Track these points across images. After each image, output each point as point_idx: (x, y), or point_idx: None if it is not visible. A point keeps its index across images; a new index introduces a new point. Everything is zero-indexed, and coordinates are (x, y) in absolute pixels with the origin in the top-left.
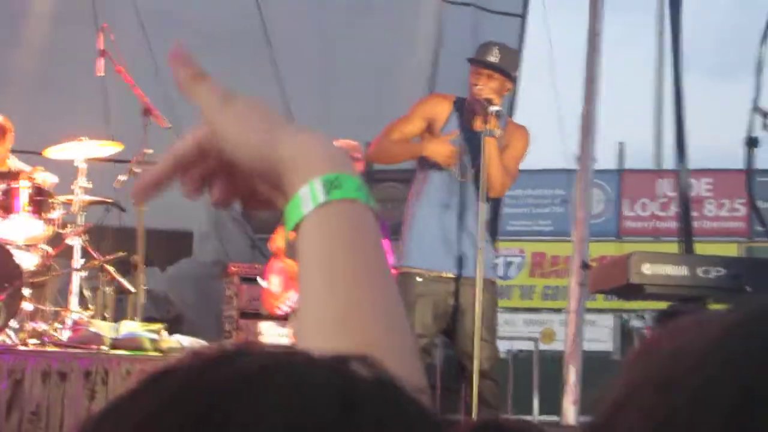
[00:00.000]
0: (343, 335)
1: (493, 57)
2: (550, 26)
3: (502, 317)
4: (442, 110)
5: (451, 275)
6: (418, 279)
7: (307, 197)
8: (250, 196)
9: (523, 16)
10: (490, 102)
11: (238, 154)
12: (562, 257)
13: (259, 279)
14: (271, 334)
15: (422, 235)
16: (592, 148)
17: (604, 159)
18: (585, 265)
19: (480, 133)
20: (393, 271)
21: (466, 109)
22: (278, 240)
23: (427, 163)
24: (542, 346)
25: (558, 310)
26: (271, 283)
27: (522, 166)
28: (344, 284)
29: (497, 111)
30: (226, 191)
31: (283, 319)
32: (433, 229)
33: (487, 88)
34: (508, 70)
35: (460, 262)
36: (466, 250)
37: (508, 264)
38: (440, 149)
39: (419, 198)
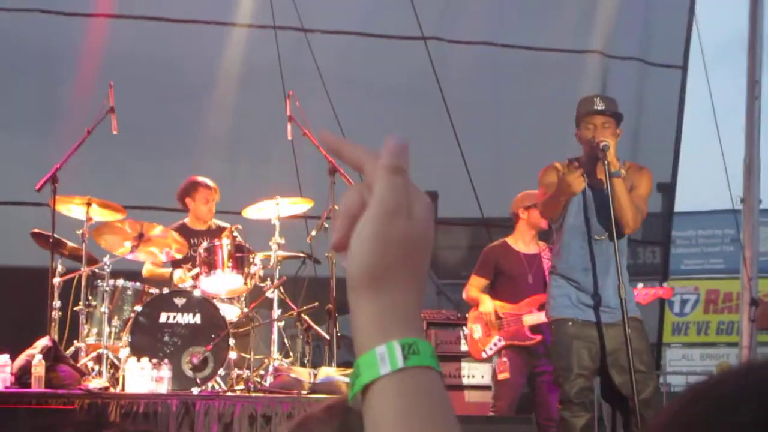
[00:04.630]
0: None
1: (598, 106)
2: (710, 76)
3: (679, 352)
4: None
5: (599, 321)
6: (570, 324)
7: (385, 358)
8: None
9: (684, 68)
10: (606, 145)
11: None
12: (735, 293)
13: (464, 328)
14: (471, 376)
15: (564, 293)
16: (756, 190)
17: None
18: (754, 302)
19: (605, 191)
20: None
21: (587, 163)
22: (471, 290)
23: (562, 232)
24: None
25: (734, 344)
26: (474, 330)
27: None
28: None
29: (606, 145)
30: None
31: (488, 360)
32: (574, 290)
33: (605, 134)
34: (616, 111)
35: (604, 309)
36: (610, 299)
37: (684, 302)
38: (572, 178)
39: (560, 261)
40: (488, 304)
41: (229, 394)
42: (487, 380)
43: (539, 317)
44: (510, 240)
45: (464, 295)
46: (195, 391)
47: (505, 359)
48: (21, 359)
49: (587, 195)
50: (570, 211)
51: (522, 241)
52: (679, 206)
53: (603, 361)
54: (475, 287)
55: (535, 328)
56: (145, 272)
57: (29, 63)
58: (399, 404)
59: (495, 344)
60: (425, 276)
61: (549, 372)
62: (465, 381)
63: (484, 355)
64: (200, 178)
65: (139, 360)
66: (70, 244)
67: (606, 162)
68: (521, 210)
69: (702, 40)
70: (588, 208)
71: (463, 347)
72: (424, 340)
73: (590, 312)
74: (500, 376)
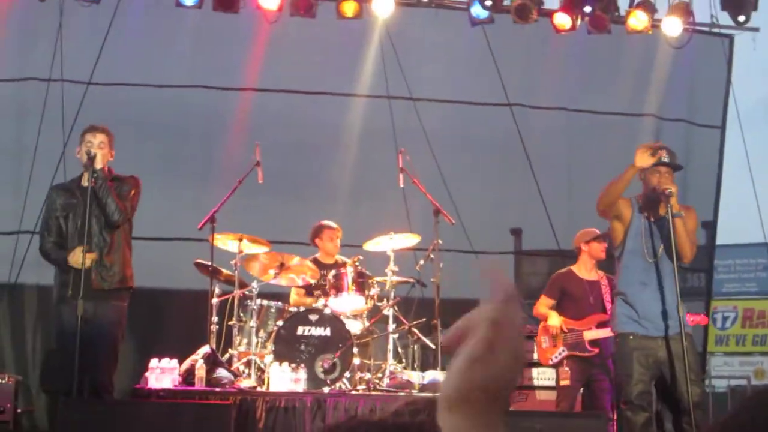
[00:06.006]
0: None
1: (666, 158)
2: (745, 134)
3: (721, 360)
4: (626, 208)
5: (655, 335)
6: (631, 337)
7: None
8: None
9: (723, 128)
10: (671, 192)
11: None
12: (767, 311)
13: (536, 339)
14: (541, 379)
15: (626, 307)
16: None
17: None
18: None
19: (664, 219)
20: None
21: (646, 202)
22: (540, 308)
23: (623, 253)
24: (755, 382)
25: (767, 353)
26: (543, 341)
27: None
28: None
29: (670, 192)
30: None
31: (553, 366)
32: (635, 304)
33: (668, 181)
34: (678, 165)
35: (662, 323)
36: (666, 313)
37: (725, 318)
38: (641, 157)
39: (621, 279)
40: (556, 320)
41: (353, 392)
42: (552, 382)
43: (597, 333)
44: (575, 268)
45: (533, 311)
46: (326, 390)
47: (567, 368)
48: (187, 363)
49: (643, 224)
50: (629, 236)
51: (585, 269)
52: (720, 240)
53: (664, 368)
54: (543, 305)
55: (594, 342)
56: (292, 301)
57: (193, 127)
58: None
59: (560, 353)
60: (504, 403)
61: (603, 380)
62: (536, 383)
63: (550, 362)
64: (325, 222)
65: (280, 365)
66: (225, 271)
67: (669, 205)
68: (582, 244)
69: (737, 103)
70: (644, 235)
71: (534, 355)
72: None
73: (649, 326)
74: (562, 383)
